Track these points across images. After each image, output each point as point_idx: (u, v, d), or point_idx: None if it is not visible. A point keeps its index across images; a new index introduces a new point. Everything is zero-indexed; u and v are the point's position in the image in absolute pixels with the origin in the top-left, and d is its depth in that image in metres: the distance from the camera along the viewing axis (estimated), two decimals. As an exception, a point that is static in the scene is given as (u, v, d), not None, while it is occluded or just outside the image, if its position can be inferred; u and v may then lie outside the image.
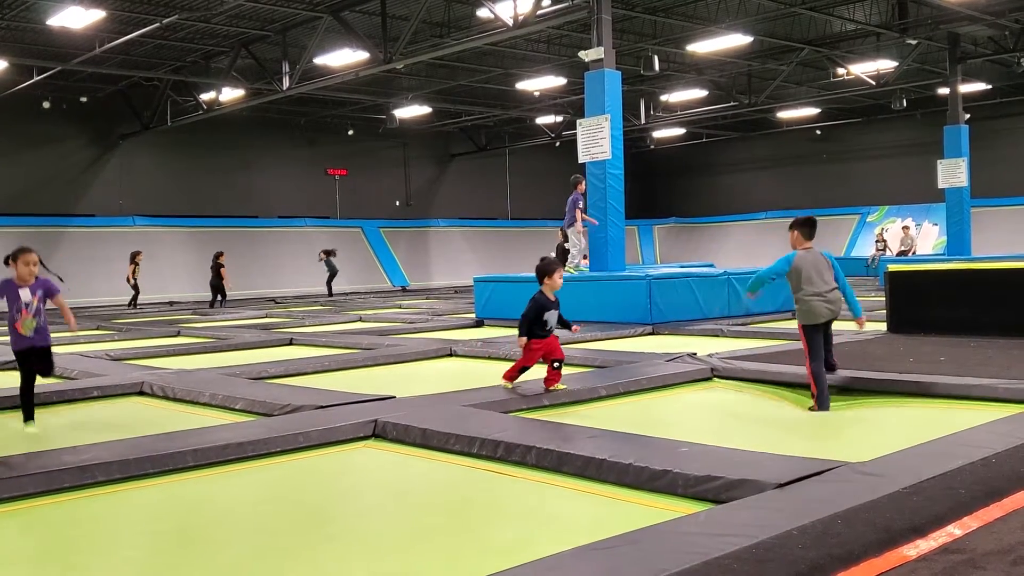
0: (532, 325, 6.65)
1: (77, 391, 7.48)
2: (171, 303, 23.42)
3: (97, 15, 16.82)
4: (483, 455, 4.79)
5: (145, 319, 17.72)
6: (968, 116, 22.95)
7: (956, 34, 21.44)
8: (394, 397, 6.42)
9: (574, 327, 7.13)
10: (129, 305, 21.53)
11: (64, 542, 3.79)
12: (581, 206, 14.22)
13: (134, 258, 21.47)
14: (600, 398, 6.74)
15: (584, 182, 14.27)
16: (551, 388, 6.60)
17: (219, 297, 21.67)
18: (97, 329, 15.47)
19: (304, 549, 3.56)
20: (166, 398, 7.29)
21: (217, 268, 21.45)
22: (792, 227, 6.60)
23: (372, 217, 31.98)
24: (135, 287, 21.40)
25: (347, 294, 27.34)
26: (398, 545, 3.60)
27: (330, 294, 25.11)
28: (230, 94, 23.53)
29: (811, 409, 6.11)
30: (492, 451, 4.77)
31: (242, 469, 4.85)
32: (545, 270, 6.81)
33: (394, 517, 3.99)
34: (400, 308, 19.08)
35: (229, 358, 10.22)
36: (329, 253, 25.36)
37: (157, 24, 17.91)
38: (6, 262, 6.26)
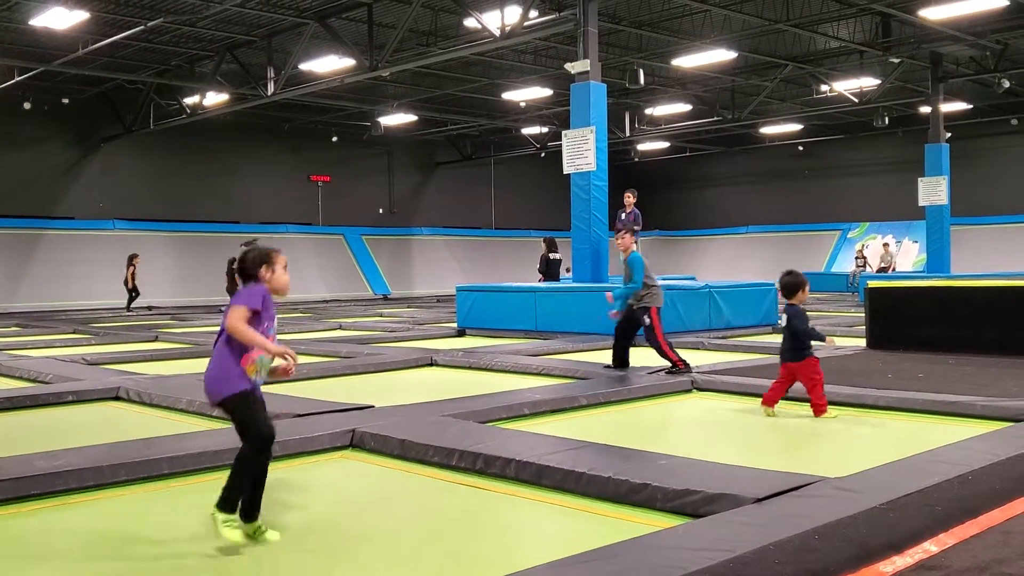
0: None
1: (52, 395, 7.40)
2: (150, 308, 23.24)
3: (81, 16, 16.71)
4: (462, 467, 4.76)
5: (123, 323, 17.59)
6: (949, 135, 23.17)
7: (938, 54, 21.66)
8: (373, 407, 6.38)
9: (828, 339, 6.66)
10: (127, 308, 21.36)
11: (33, 551, 3.73)
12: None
13: (131, 260, 21.31)
14: (580, 408, 6.73)
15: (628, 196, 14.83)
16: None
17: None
18: (74, 333, 15.34)
19: (279, 561, 3.52)
20: (142, 403, 7.22)
21: (231, 274, 21.56)
22: (628, 232, 8.66)
23: (355, 224, 31.90)
24: (133, 289, 21.24)
25: (327, 301, 27.24)
26: (374, 558, 3.57)
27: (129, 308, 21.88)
28: (214, 98, 23.43)
29: (675, 371, 8.02)
30: (471, 463, 4.74)
31: (217, 477, 4.80)
32: (798, 284, 6.48)
33: (371, 530, 3.96)
34: (381, 316, 19.02)
35: (206, 364, 10.13)
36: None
37: (142, 27, 17.81)
38: (243, 272, 4.08)
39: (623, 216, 14.80)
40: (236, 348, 3.67)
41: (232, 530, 3.54)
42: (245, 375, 3.66)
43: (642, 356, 10.32)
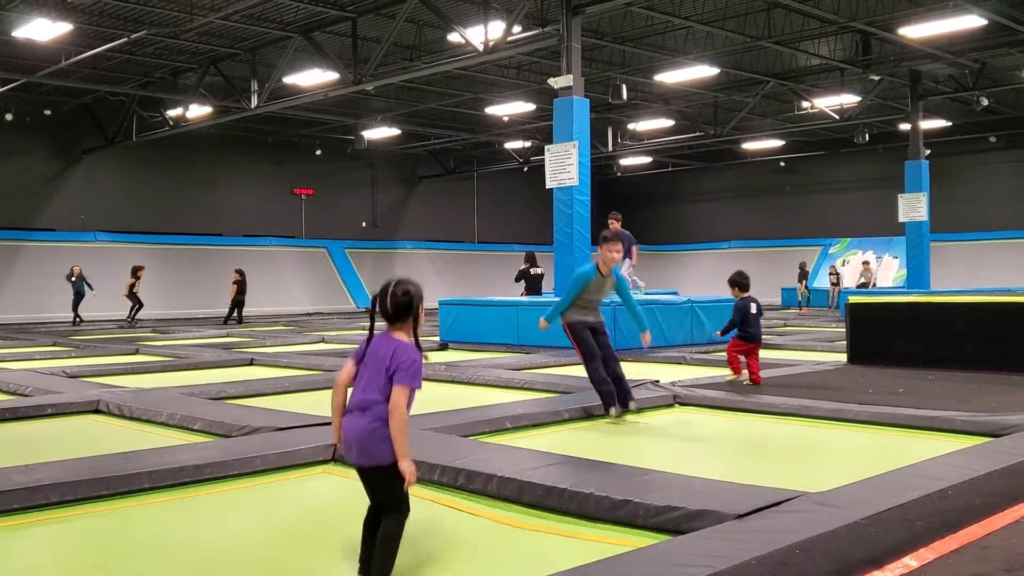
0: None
1: (31, 408, 7.33)
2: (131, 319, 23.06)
3: (64, 28, 16.66)
4: (443, 482, 4.75)
5: (104, 336, 17.46)
6: (929, 152, 23.39)
7: (918, 72, 21.90)
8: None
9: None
10: (128, 319, 21.18)
11: (11, 567, 3.70)
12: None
13: (135, 272, 21.17)
14: (563, 422, 6.73)
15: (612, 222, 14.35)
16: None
17: (236, 312, 22.01)
18: (54, 345, 15.22)
19: None
20: (123, 417, 7.17)
21: (236, 283, 21.75)
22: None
23: (338, 237, 31.86)
24: (136, 300, 21.08)
25: (310, 314, 27.15)
26: (353, 574, 3.55)
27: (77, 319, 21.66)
28: (197, 111, 23.37)
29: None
30: (453, 479, 4.73)
31: (198, 492, 4.77)
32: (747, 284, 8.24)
33: (353, 546, 3.94)
34: (364, 330, 18.96)
35: (188, 377, 10.09)
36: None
37: (125, 39, 17.77)
38: (401, 309, 3.40)
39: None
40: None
41: None
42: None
43: (624, 370, 10.33)
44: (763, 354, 12.38)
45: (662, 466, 4.89)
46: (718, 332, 7.95)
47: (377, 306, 3.40)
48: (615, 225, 14.19)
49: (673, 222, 38.30)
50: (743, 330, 8.15)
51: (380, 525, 3.32)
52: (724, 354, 11.64)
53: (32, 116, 25.45)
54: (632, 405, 6.89)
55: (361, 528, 3.42)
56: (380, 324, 3.46)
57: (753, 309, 8.12)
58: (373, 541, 3.33)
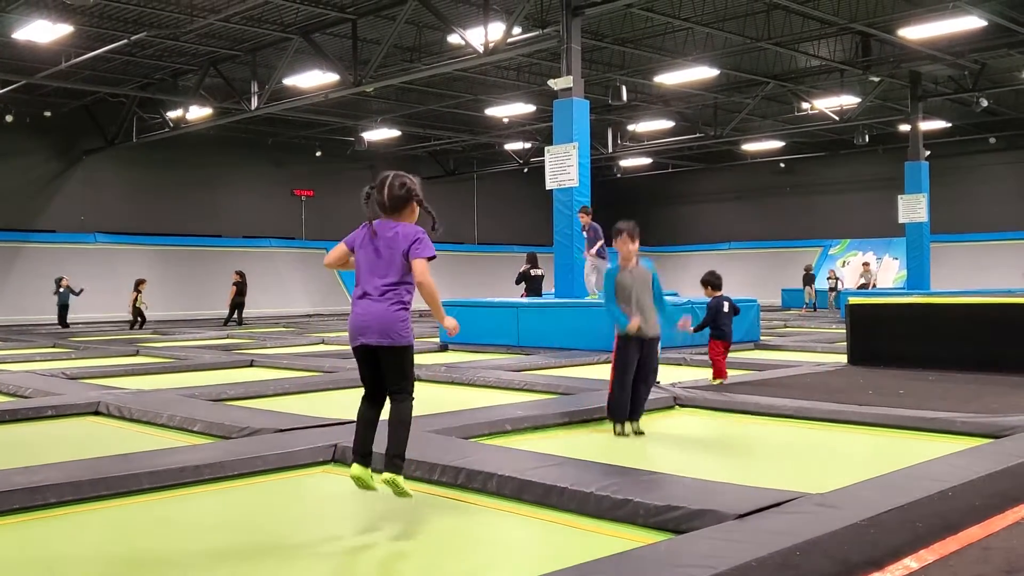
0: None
1: (31, 410, 7.32)
2: (130, 324, 23.06)
3: (64, 30, 16.67)
4: (444, 482, 4.75)
5: (103, 338, 17.46)
6: (928, 153, 23.41)
7: (917, 73, 21.91)
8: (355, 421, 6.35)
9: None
10: (131, 326, 21.20)
11: (11, 567, 3.70)
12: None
13: (137, 286, 21.17)
14: (563, 424, 6.73)
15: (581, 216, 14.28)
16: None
17: (236, 313, 22.04)
18: (53, 347, 15.22)
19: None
20: (122, 418, 7.16)
21: (235, 284, 21.79)
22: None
23: (338, 239, 31.51)
24: (138, 312, 21.08)
25: (310, 316, 27.15)
26: (355, 574, 3.55)
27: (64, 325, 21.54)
28: (197, 112, 23.39)
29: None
30: (453, 478, 4.73)
31: (198, 493, 4.77)
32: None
33: (352, 545, 3.94)
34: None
35: (188, 379, 10.09)
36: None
37: (125, 41, 17.78)
38: (400, 201, 3.61)
39: (584, 235, 14.35)
40: (411, 297, 3.39)
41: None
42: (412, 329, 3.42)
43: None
44: (763, 355, 12.42)
45: (662, 467, 4.89)
46: (691, 328, 7.92)
47: (374, 197, 3.43)
48: (584, 219, 14.10)
49: (673, 223, 38.31)
50: (718, 328, 8.25)
51: (390, 411, 3.36)
52: (728, 356, 11.66)
53: (32, 117, 25.46)
54: (635, 426, 6.39)
55: (356, 420, 3.38)
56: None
57: (725, 308, 8.23)
58: (370, 430, 3.41)
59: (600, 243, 14.04)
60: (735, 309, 8.38)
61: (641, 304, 6.33)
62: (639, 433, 6.35)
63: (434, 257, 3.41)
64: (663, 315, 6.43)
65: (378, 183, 3.42)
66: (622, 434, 6.32)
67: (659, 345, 6.44)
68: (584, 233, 14.26)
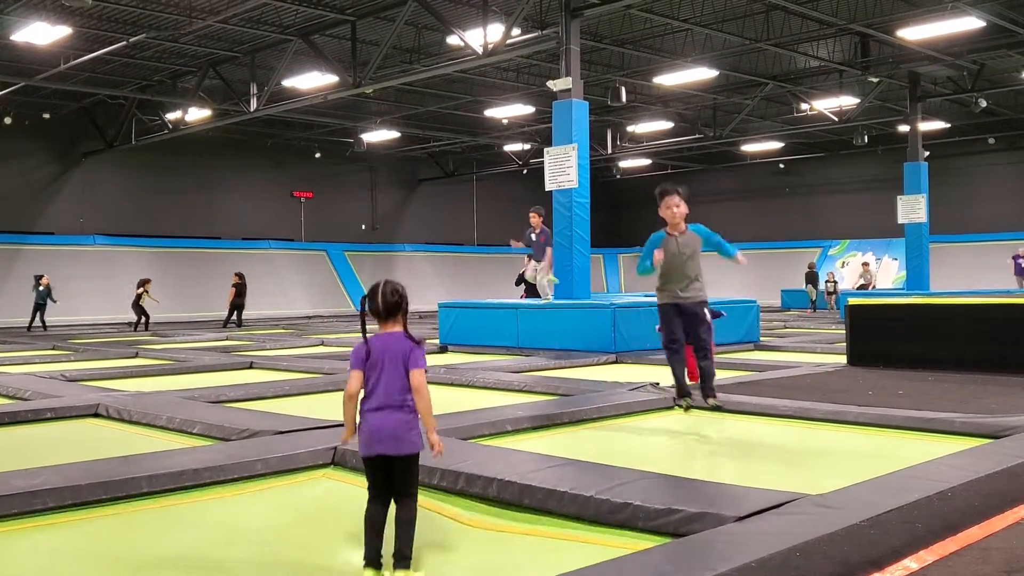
0: None
1: (29, 412, 7.32)
2: (130, 323, 23.08)
3: (63, 32, 16.68)
4: (443, 487, 4.74)
5: (102, 340, 17.45)
6: (927, 153, 23.43)
7: (916, 73, 21.92)
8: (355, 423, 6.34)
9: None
10: (135, 327, 21.21)
11: (10, 571, 3.69)
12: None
13: (144, 285, 21.18)
14: (562, 425, 6.73)
15: (532, 216, 14.09)
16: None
17: (235, 315, 22.04)
18: (53, 349, 15.22)
19: (259, 578, 3.49)
20: (122, 420, 7.16)
21: (235, 286, 21.85)
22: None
23: (337, 240, 31.86)
24: (142, 311, 21.09)
25: (310, 317, 27.14)
26: None
27: (38, 327, 21.38)
28: (197, 114, 23.40)
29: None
30: (453, 482, 4.72)
31: (198, 496, 4.76)
32: None
33: (351, 550, 3.94)
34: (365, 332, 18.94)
35: (187, 381, 10.09)
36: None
37: (124, 42, 17.79)
38: (395, 308, 3.71)
39: (533, 237, 14.10)
40: (414, 407, 3.63)
41: None
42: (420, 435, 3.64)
43: (624, 372, 10.34)
44: (762, 355, 12.42)
45: (662, 468, 4.89)
46: (659, 327, 8.17)
47: (367, 307, 3.68)
48: (535, 220, 13.94)
49: (672, 224, 38.28)
50: None
51: (397, 511, 3.54)
52: (726, 355, 11.70)
53: (31, 120, 25.47)
54: (710, 400, 6.39)
55: (364, 524, 3.52)
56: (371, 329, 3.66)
57: None
58: (378, 534, 3.51)
59: (548, 250, 13.90)
60: (715, 314, 8.48)
61: (684, 272, 6.21)
62: (715, 409, 6.30)
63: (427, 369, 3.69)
64: (727, 250, 6.44)
65: (370, 292, 3.71)
66: (687, 410, 6.38)
67: (706, 312, 6.29)
68: (534, 236, 14.04)
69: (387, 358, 3.62)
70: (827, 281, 27.77)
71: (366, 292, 3.72)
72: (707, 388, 6.39)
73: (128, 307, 22.02)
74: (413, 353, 3.63)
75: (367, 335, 3.68)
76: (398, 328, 3.70)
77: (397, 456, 3.56)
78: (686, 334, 6.30)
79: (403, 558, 3.50)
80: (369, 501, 3.61)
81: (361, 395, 3.67)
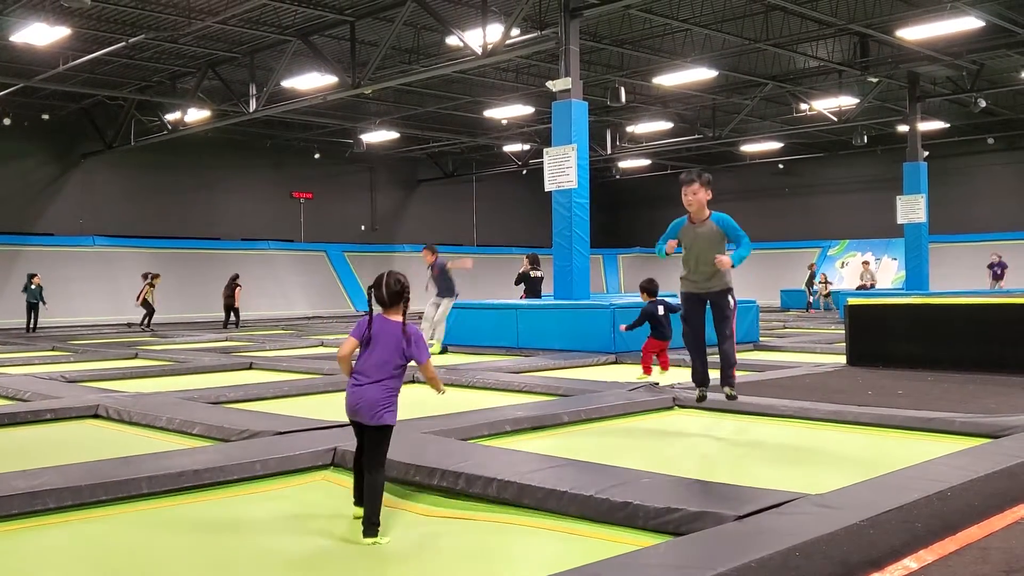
0: None
1: (29, 413, 7.32)
2: (129, 324, 23.09)
3: (62, 32, 16.66)
4: (443, 487, 4.74)
5: (102, 340, 17.45)
6: (927, 153, 23.43)
7: (916, 73, 21.93)
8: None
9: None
10: (141, 325, 21.18)
11: (10, 572, 3.70)
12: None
13: (151, 279, 21.13)
14: (562, 425, 6.73)
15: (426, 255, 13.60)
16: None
17: (231, 316, 22.06)
18: (53, 350, 15.21)
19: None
20: (122, 421, 7.16)
21: (232, 288, 21.81)
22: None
23: (337, 241, 31.86)
24: (148, 307, 21.06)
25: (309, 318, 27.13)
26: None
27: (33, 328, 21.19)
28: (196, 115, 23.39)
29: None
30: (453, 482, 4.72)
31: (198, 496, 4.76)
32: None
33: (352, 550, 3.94)
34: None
35: (187, 382, 10.09)
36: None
37: (123, 43, 17.78)
38: (397, 297, 4.22)
39: (431, 275, 13.65)
40: (400, 384, 4.15)
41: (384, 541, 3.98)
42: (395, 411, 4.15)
43: (623, 372, 10.33)
44: (762, 356, 12.42)
45: (662, 469, 4.89)
46: (623, 326, 8.83)
47: (373, 295, 4.18)
48: (430, 258, 13.51)
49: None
50: (658, 331, 8.70)
51: (365, 479, 4.07)
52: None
53: (30, 121, 25.46)
54: (725, 389, 6.30)
55: (353, 468, 4.27)
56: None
57: (661, 311, 8.66)
58: (362, 479, 4.11)
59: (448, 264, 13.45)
60: (672, 309, 8.62)
61: (701, 261, 6.09)
62: (731, 397, 6.27)
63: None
64: (741, 256, 6.14)
65: (376, 281, 4.21)
66: (701, 398, 6.39)
67: (729, 300, 6.13)
68: (431, 271, 13.59)
69: (382, 339, 4.10)
70: (820, 282, 27.65)
71: (373, 282, 4.21)
72: (724, 376, 6.31)
73: (129, 307, 22.00)
74: (417, 349, 4.14)
75: (371, 316, 4.15)
76: (399, 318, 4.16)
77: (370, 426, 4.06)
78: (708, 323, 6.23)
79: (371, 525, 3.95)
80: (356, 451, 4.24)
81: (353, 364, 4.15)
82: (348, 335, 4.19)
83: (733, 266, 6.08)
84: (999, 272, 25.79)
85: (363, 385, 4.06)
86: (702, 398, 6.59)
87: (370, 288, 4.20)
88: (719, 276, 6.11)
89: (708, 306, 6.27)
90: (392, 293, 4.15)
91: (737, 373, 6.59)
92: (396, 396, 4.10)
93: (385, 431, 4.09)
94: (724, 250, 6.12)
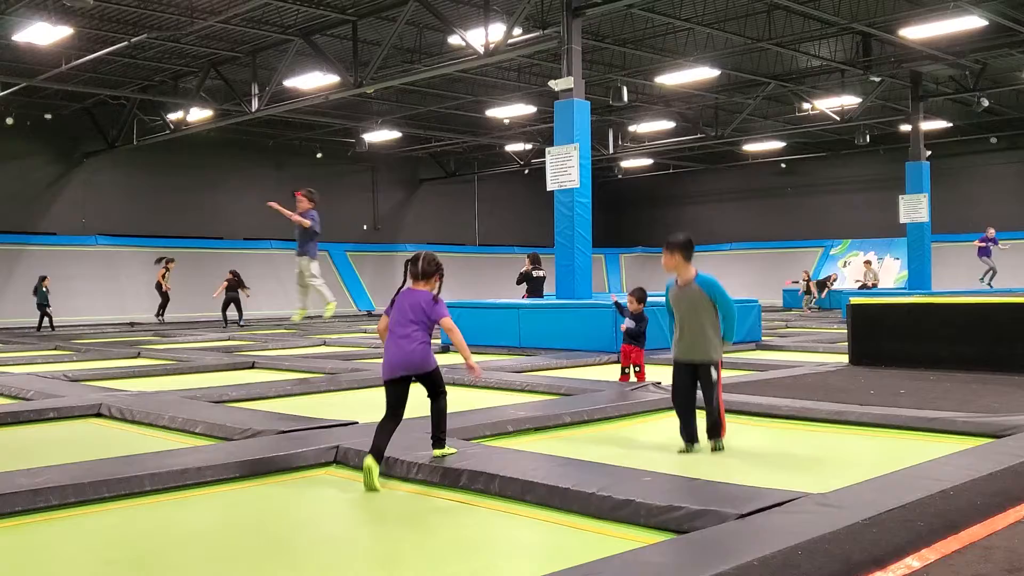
0: None
1: (32, 412, 7.33)
2: (132, 324, 23.11)
3: (64, 32, 16.67)
4: (446, 484, 4.75)
5: (105, 340, 17.47)
6: (929, 153, 23.40)
7: (918, 73, 21.91)
8: (357, 423, 6.36)
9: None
10: (157, 315, 21.14)
11: (13, 569, 3.70)
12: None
13: (166, 264, 21.08)
14: (564, 425, 6.73)
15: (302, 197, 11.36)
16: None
17: (235, 312, 21.93)
18: (55, 349, 15.23)
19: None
20: (124, 420, 7.17)
21: (234, 285, 21.73)
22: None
23: (339, 240, 31.84)
24: (164, 295, 21.02)
25: (312, 318, 27.11)
26: None
27: (47, 327, 21.31)
28: (198, 114, 23.40)
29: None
30: (455, 480, 4.73)
31: (200, 495, 4.77)
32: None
33: (354, 547, 3.95)
34: (365, 332, 18.98)
35: (190, 381, 10.10)
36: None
37: (125, 43, 17.79)
38: (427, 273, 5.26)
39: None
40: (428, 337, 4.99)
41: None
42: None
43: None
44: (764, 355, 12.43)
45: (664, 467, 4.89)
46: (623, 326, 9.07)
47: (408, 268, 5.06)
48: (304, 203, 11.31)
49: (674, 224, 38.17)
50: (642, 335, 9.02)
51: (432, 405, 5.04)
52: (727, 355, 11.75)
53: (33, 120, 25.47)
54: (712, 441, 5.81)
55: (376, 429, 4.87)
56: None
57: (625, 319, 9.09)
58: (386, 436, 4.80)
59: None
60: (621, 311, 9.31)
61: (686, 325, 5.78)
62: (717, 450, 5.76)
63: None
64: (727, 329, 5.72)
65: (413, 257, 5.10)
66: (686, 451, 5.76)
67: (713, 372, 5.71)
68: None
69: (407, 302, 4.96)
70: (803, 280, 27.27)
71: (410, 257, 5.12)
72: (711, 433, 5.84)
73: (131, 306, 22.00)
74: (437, 308, 4.99)
75: (400, 290, 5.04)
76: (426, 288, 5.03)
77: (422, 374, 4.94)
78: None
79: (440, 440, 4.98)
80: (385, 418, 4.87)
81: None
82: (383, 312, 5.07)
83: (726, 341, 5.75)
84: (987, 249, 24.67)
85: (395, 340, 4.87)
86: (685, 452, 5.84)
87: (407, 262, 5.05)
88: (702, 347, 5.73)
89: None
90: (426, 270, 5.03)
91: (740, 373, 6.55)
92: (428, 345, 4.93)
93: (435, 372, 5.00)
94: (712, 314, 5.81)
